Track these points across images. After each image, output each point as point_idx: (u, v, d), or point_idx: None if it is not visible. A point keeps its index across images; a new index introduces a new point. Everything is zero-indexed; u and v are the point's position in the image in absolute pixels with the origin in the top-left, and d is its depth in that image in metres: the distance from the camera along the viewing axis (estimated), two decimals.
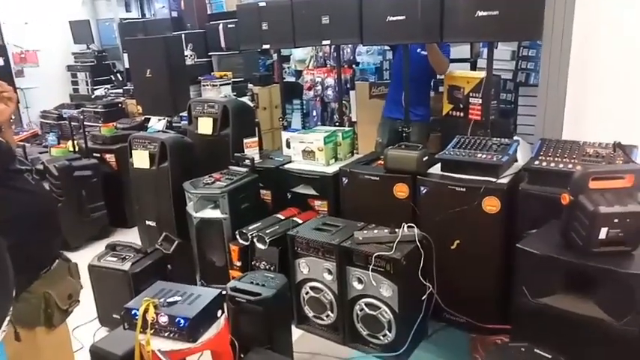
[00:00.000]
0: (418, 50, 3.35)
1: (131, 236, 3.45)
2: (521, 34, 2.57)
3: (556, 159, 2.07)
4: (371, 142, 3.68)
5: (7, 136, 1.48)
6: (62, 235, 1.63)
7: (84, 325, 2.62)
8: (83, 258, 2.63)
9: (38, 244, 1.46)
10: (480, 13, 2.51)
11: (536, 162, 2.09)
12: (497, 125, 3.20)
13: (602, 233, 1.56)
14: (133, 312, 1.78)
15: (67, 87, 6.19)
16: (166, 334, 1.73)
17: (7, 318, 1.03)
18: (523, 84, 3.51)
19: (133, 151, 3.12)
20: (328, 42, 3.24)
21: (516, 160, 2.45)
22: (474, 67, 3.69)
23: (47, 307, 1.45)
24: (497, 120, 3.28)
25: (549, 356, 1.52)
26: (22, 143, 3.97)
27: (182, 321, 1.70)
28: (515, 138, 2.76)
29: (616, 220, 1.54)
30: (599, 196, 1.57)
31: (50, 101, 5.84)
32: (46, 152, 3.90)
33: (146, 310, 1.74)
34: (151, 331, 1.74)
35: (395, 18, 2.78)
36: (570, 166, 1.99)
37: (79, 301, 1.58)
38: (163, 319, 1.73)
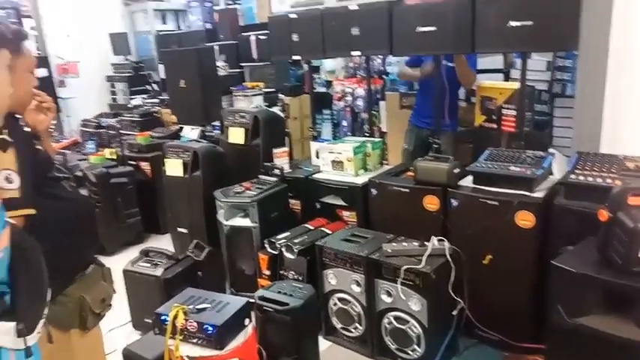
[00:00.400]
0: (444, 62, 3.31)
1: (164, 242, 3.53)
2: (556, 44, 2.52)
3: (594, 173, 2.01)
4: (400, 152, 3.67)
5: (46, 144, 1.55)
6: (98, 241, 1.68)
7: (118, 328, 2.69)
8: (118, 263, 2.73)
9: (74, 249, 1.51)
10: (513, 24, 2.47)
11: (573, 176, 2.03)
12: (531, 137, 3.13)
13: None
14: (162, 317, 1.82)
15: (106, 96, 6.41)
16: (195, 341, 1.77)
17: (42, 320, 1.07)
18: (559, 95, 3.43)
19: (166, 160, 3.20)
20: (358, 53, 3.26)
21: (552, 174, 2.39)
22: (507, 78, 3.63)
23: (82, 310, 1.50)
24: (531, 132, 3.21)
25: None
26: (62, 151, 4.12)
27: (210, 328, 1.73)
28: (550, 150, 2.70)
29: None
30: (639, 213, 1.51)
31: (90, 110, 6.05)
32: (85, 159, 4.04)
33: (176, 316, 1.78)
34: (180, 337, 1.77)
35: (425, 29, 2.77)
36: (609, 180, 1.92)
37: (111, 305, 1.62)
38: (192, 326, 1.76)
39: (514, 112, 2.89)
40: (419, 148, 3.41)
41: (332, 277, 2.39)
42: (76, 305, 1.49)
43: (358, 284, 2.29)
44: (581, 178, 1.99)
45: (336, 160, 2.88)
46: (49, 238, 1.40)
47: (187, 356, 1.74)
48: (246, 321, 1.87)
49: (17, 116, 1.48)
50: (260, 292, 2.10)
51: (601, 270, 1.59)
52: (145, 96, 6.06)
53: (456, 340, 2.26)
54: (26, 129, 1.51)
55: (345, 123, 4.91)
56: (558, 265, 1.67)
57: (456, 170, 2.39)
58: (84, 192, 3.65)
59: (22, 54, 1.39)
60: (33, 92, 1.52)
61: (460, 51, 3.19)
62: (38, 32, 5.85)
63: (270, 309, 1.99)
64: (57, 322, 1.46)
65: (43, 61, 5.60)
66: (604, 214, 1.58)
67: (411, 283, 2.10)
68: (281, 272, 2.58)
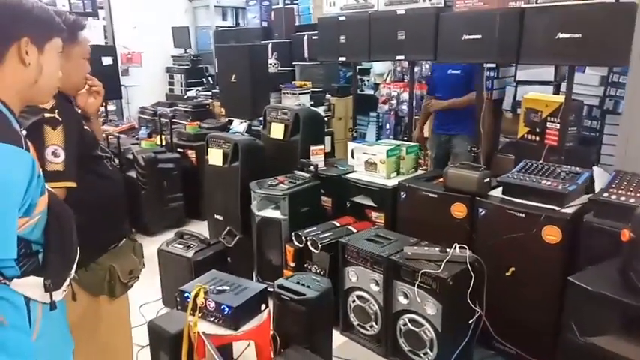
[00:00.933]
0: (449, 71, 3.56)
1: (202, 228, 3.70)
2: (605, 58, 2.44)
3: (628, 193, 1.94)
4: None
5: (94, 126, 1.70)
6: (129, 218, 1.82)
7: (150, 302, 2.87)
8: (159, 243, 2.90)
9: (108, 222, 1.65)
10: (562, 36, 2.42)
11: (605, 194, 1.97)
12: (576, 153, 3.04)
13: None
14: (186, 294, 1.94)
15: (164, 86, 6.75)
16: (212, 319, 1.87)
17: (69, 279, 1.19)
18: (610, 112, 3.29)
19: (209, 149, 3.35)
20: (402, 57, 3.28)
21: (589, 192, 2.32)
22: (557, 91, 3.52)
23: (111, 278, 1.63)
24: (576, 148, 3.11)
25: None
26: (118, 134, 4.40)
27: (226, 308, 1.83)
28: (595, 168, 2.61)
29: None
30: None
31: (148, 98, 6.40)
32: (137, 144, 4.30)
33: (197, 295, 1.89)
34: (199, 314, 1.88)
35: (471, 37, 2.77)
36: None
37: (138, 277, 1.75)
38: (211, 305, 1.87)
39: (558, 126, 2.81)
40: (440, 155, 3.71)
41: (353, 275, 2.43)
42: (106, 273, 1.63)
43: (377, 283, 2.33)
44: (614, 197, 1.93)
45: (369, 162, 2.92)
46: (87, 211, 1.53)
47: (204, 332, 1.84)
48: (263, 306, 1.96)
49: (70, 98, 1.64)
50: (280, 281, 2.18)
51: (618, 290, 1.55)
52: (199, 88, 6.34)
53: (470, 349, 2.24)
54: (77, 110, 1.67)
55: (388, 126, 4.93)
56: (575, 281, 1.64)
57: (486, 180, 2.37)
58: (132, 174, 3.89)
59: (77, 42, 1.53)
60: (86, 77, 1.67)
61: (505, 60, 3.16)
62: (108, 23, 6.24)
63: (286, 297, 2.07)
64: (88, 287, 1.60)
65: (110, 50, 5.98)
66: (626, 234, 1.54)
67: (428, 287, 2.11)
68: (305, 265, 2.65)
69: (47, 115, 1.43)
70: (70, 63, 1.50)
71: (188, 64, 6.56)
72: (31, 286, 1.11)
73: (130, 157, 3.93)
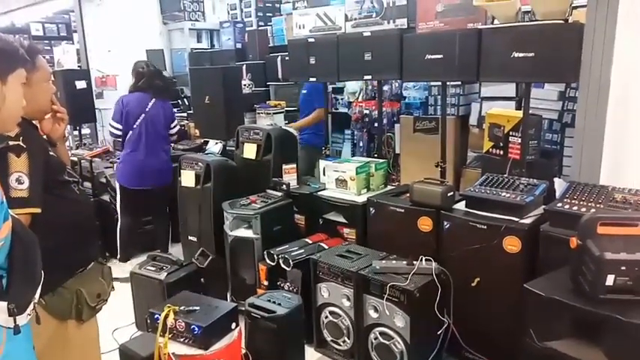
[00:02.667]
0: (302, 92, 4.19)
1: (178, 250, 3.70)
2: (557, 76, 2.58)
3: (580, 203, 2.04)
4: (413, 175, 3.73)
5: (60, 150, 1.72)
6: (98, 241, 1.84)
7: (123, 327, 2.84)
8: (132, 267, 2.89)
9: (76, 246, 1.66)
10: (516, 55, 2.55)
11: (559, 204, 2.07)
12: (538, 166, 3.15)
13: (609, 280, 1.53)
14: (155, 316, 1.95)
15: None
16: (182, 340, 1.89)
17: (32, 303, 1.20)
18: (569, 125, 3.43)
19: (182, 171, 3.38)
20: (370, 77, 3.39)
21: (548, 202, 2.42)
22: (519, 106, 3.66)
23: (78, 302, 1.64)
24: (538, 160, 3.23)
25: None
26: (90, 158, 4.39)
27: (196, 328, 1.85)
28: (556, 179, 2.72)
29: (623, 268, 1.50)
30: (607, 242, 1.55)
31: None
32: (111, 167, 4.29)
33: (167, 316, 1.91)
34: (169, 335, 1.89)
35: (433, 56, 2.88)
36: (593, 210, 1.95)
37: (106, 300, 1.76)
38: (181, 325, 1.89)
39: (519, 140, 2.93)
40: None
41: (325, 291, 2.47)
42: (73, 297, 1.64)
43: (348, 299, 2.37)
44: (567, 207, 2.03)
45: (340, 179, 2.99)
46: (53, 235, 1.56)
47: (174, 354, 1.86)
48: (233, 325, 1.98)
49: (34, 123, 1.67)
50: (251, 300, 2.21)
51: (570, 296, 1.62)
52: (175, 110, 6.35)
53: (440, 359, 2.29)
54: (42, 136, 1.70)
55: (362, 143, 5.02)
56: (530, 288, 1.71)
57: (450, 193, 2.46)
58: (106, 197, 3.88)
59: (36, 68, 1.57)
60: (51, 101, 1.71)
61: (466, 79, 3.28)
62: (81, 47, 6.27)
63: (257, 315, 2.09)
64: (55, 312, 1.61)
65: (83, 74, 5.99)
66: (574, 242, 1.62)
67: (396, 300, 2.16)
68: (278, 283, 2.68)
69: (11, 142, 1.45)
70: (33, 88, 1.53)
71: None
72: None
73: (103, 180, 3.92)
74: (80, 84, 5.67)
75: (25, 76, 1.28)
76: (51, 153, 1.61)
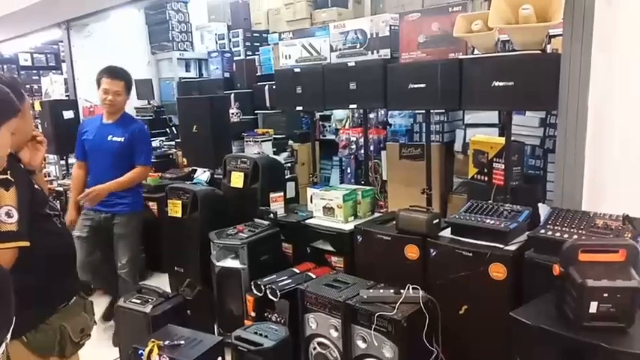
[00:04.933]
0: (109, 137, 3.14)
1: (164, 280, 3.65)
2: (537, 104, 2.64)
3: (563, 229, 2.07)
4: (400, 201, 3.76)
5: (39, 180, 1.72)
6: (78, 276, 1.81)
7: None
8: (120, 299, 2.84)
9: (58, 281, 1.64)
10: (497, 83, 2.61)
11: (542, 231, 2.09)
12: (522, 191, 3.20)
13: (593, 307, 1.54)
14: (139, 352, 1.92)
15: None
16: None
17: (4, 344, 1.18)
18: (551, 151, 3.50)
19: (169, 201, 3.37)
20: (355, 106, 3.44)
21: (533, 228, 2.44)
22: (502, 133, 3.73)
23: (62, 338, 1.61)
24: (522, 186, 3.28)
25: None
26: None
27: None
28: (540, 205, 2.75)
29: (605, 295, 1.52)
30: (588, 269, 1.56)
31: None
32: None
33: (151, 351, 1.87)
34: None
35: (416, 85, 2.94)
36: (575, 236, 1.98)
37: (89, 335, 1.73)
38: None
39: (503, 166, 2.98)
40: (94, 233, 3.13)
41: (312, 321, 2.45)
42: (56, 333, 1.61)
43: (336, 329, 2.35)
44: (550, 233, 2.05)
45: (327, 207, 3.00)
46: (35, 270, 1.54)
47: None
48: (219, 359, 1.95)
49: (18, 157, 1.67)
50: (237, 332, 2.18)
51: (555, 324, 1.63)
52: (163, 138, 6.37)
53: None
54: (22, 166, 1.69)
55: (349, 170, 5.06)
56: (516, 317, 1.71)
57: (435, 221, 2.47)
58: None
59: (23, 99, 1.58)
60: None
61: (448, 107, 3.35)
62: (69, 77, 6.29)
63: (244, 349, 2.06)
64: (37, 349, 1.58)
65: (71, 104, 5.99)
66: (557, 269, 1.64)
67: (384, 329, 2.15)
68: (266, 314, 2.65)
69: (0, 176, 1.45)
70: (24, 119, 1.54)
71: (151, 115, 6.60)
72: None
73: (63, 220, 3.87)
74: (68, 114, 5.66)
75: (15, 124, 1.31)
76: (36, 186, 1.61)
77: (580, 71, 2.44)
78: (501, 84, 2.59)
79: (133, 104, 6.78)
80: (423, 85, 2.91)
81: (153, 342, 1.89)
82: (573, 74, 2.46)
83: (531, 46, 2.57)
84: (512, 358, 1.72)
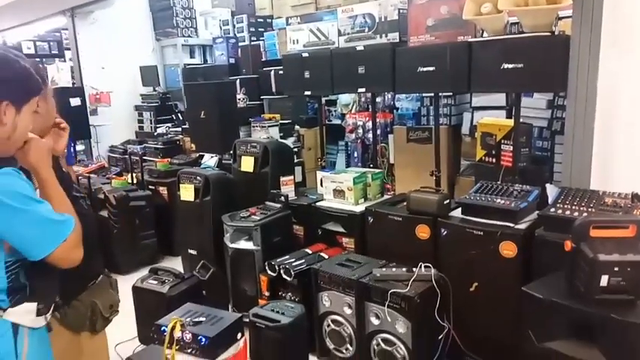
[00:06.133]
0: None
1: (176, 264, 3.71)
2: (546, 85, 2.67)
3: (573, 207, 2.11)
4: (408, 184, 3.80)
5: (63, 164, 1.76)
6: (104, 255, 1.88)
7: (126, 341, 2.86)
8: (133, 281, 2.91)
9: (87, 260, 1.70)
10: (506, 66, 2.64)
11: (552, 209, 2.14)
12: (530, 172, 3.24)
13: (603, 281, 1.59)
14: (162, 328, 1.98)
15: (133, 124, 6.79)
16: (189, 351, 1.91)
17: (53, 304, 1.27)
18: (558, 132, 3.53)
19: (180, 185, 3.42)
20: (364, 90, 3.47)
21: (541, 208, 2.49)
22: (509, 115, 3.76)
23: (93, 314, 1.68)
24: (530, 167, 3.32)
25: None
26: (87, 175, 4.41)
27: (203, 339, 1.88)
28: (547, 185, 2.79)
29: (616, 269, 1.57)
30: (599, 244, 1.61)
31: (118, 137, 6.43)
32: (108, 183, 4.32)
33: (173, 328, 1.93)
34: (177, 347, 1.92)
35: (425, 69, 2.96)
36: (585, 214, 2.02)
37: (118, 311, 1.80)
38: (188, 337, 1.91)
39: (511, 148, 3.01)
40: None
41: (326, 300, 2.51)
42: (88, 309, 1.68)
43: (350, 307, 2.41)
44: (559, 211, 2.10)
45: (337, 189, 3.04)
46: None
47: None
48: (239, 335, 2.01)
49: None
50: (254, 310, 2.24)
51: (567, 297, 1.69)
52: (169, 125, 6.41)
53: None
54: None
55: (356, 154, 5.10)
56: (528, 291, 1.77)
57: (446, 201, 2.52)
58: (103, 213, 3.90)
59: (45, 84, 1.61)
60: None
61: (457, 90, 3.37)
62: (75, 64, 6.30)
63: (261, 325, 2.13)
64: (70, 325, 1.65)
65: (77, 91, 6.02)
66: (568, 245, 1.69)
67: (397, 306, 2.21)
68: (280, 293, 2.72)
69: None
70: (47, 104, 1.58)
71: (157, 102, 6.63)
72: (23, 313, 1.19)
73: (102, 196, 3.95)
74: (74, 101, 5.71)
75: (37, 103, 1.34)
76: (63, 170, 1.65)
77: (589, 53, 2.46)
78: (510, 66, 2.61)
79: (138, 91, 6.83)
80: (432, 69, 2.94)
81: (175, 319, 1.95)
82: (583, 56, 2.48)
83: (541, 29, 2.60)
84: (524, 333, 1.77)
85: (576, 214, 2.05)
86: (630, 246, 1.59)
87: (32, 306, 1.23)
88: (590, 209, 2.07)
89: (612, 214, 1.99)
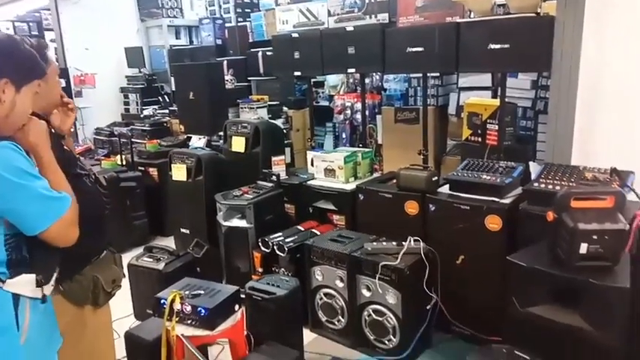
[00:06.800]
0: None
1: (168, 243, 3.75)
2: (531, 65, 2.75)
3: (555, 182, 2.21)
4: (395, 164, 3.88)
5: (69, 143, 1.79)
6: (107, 231, 1.91)
7: (122, 318, 2.91)
8: (125, 261, 2.94)
9: (92, 236, 1.73)
10: (493, 46, 2.70)
11: (535, 184, 2.23)
12: (514, 151, 3.33)
13: (583, 248, 1.69)
14: (162, 301, 2.04)
15: (119, 107, 6.73)
16: (189, 322, 1.98)
17: (55, 275, 1.31)
18: (542, 112, 3.63)
19: (172, 165, 3.45)
20: (353, 70, 3.51)
21: (524, 184, 2.59)
22: (495, 95, 3.84)
23: (95, 288, 1.72)
24: (514, 146, 3.41)
25: (528, 357, 1.65)
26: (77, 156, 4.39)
27: (203, 311, 1.94)
28: (531, 163, 2.89)
29: (595, 237, 1.67)
30: (580, 215, 1.71)
31: (103, 119, 6.38)
32: (98, 164, 4.31)
33: (173, 300, 2.00)
34: (176, 319, 1.98)
35: (414, 49, 3.01)
36: (566, 188, 2.12)
37: (120, 286, 1.84)
38: (187, 309, 1.98)
39: (496, 127, 3.10)
40: None
41: (319, 274, 2.60)
42: (90, 283, 1.71)
43: (342, 280, 2.50)
44: (542, 186, 2.19)
45: (328, 168, 3.11)
46: None
47: (182, 335, 1.95)
48: (236, 307, 2.08)
49: (47, 119, 1.73)
50: (251, 284, 2.31)
51: (549, 265, 1.79)
52: (156, 107, 6.37)
53: (429, 333, 2.45)
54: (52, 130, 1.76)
55: (344, 135, 5.15)
56: (512, 260, 1.87)
57: (434, 178, 2.61)
58: None
59: (48, 63, 1.63)
60: (61, 94, 1.77)
61: (445, 70, 3.43)
62: (58, 45, 6.20)
63: (257, 297, 2.20)
64: (73, 298, 1.68)
65: (61, 73, 5.93)
66: (550, 216, 1.78)
67: (387, 278, 2.30)
68: (273, 269, 2.79)
69: None
70: (48, 83, 1.59)
71: (143, 84, 6.57)
72: (23, 283, 1.22)
73: (92, 179, 3.94)
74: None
75: (38, 86, 1.37)
76: (65, 147, 1.68)
77: (573, 35, 2.55)
78: (497, 46, 2.68)
79: (123, 73, 6.75)
80: (420, 49, 2.99)
81: (174, 292, 2.01)
82: (566, 38, 2.57)
83: (526, 9, 2.66)
84: (508, 299, 1.88)
85: (558, 188, 2.14)
86: (608, 216, 1.69)
87: (31, 277, 1.26)
88: (571, 183, 2.17)
89: (589, 187, 2.09)
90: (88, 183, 1.74)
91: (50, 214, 1.29)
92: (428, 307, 2.37)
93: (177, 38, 7.00)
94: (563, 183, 2.18)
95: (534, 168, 2.73)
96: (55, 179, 1.39)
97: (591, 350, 1.68)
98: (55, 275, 1.32)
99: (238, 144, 3.54)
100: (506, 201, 2.36)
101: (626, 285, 1.64)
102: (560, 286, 1.76)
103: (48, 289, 1.28)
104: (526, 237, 2.22)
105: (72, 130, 1.87)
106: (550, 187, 2.17)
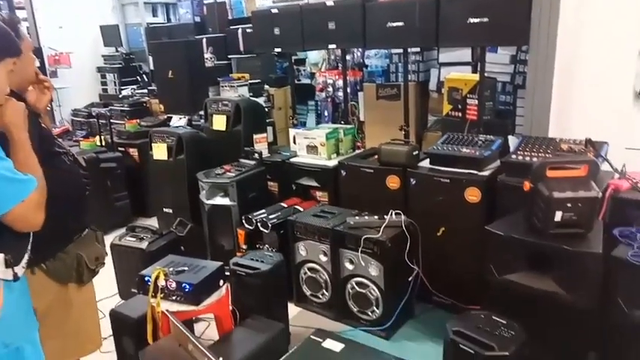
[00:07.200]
0: None
1: (151, 223, 3.74)
2: (509, 39, 2.77)
3: (532, 153, 2.25)
4: (377, 141, 3.90)
5: (45, 121, 1.76)
6: (88, 210, 1.90)
7: (106, 298, 2.91)
8: (107, 242, 2.93)
9: (73, 214, 1.72)
10: (472, 20, 2.71)
11: (513, 156, 2.28)
12: (494, 125, 3.38)
13: (558, 216, 1.74)
14: (146, 278, 2.05)
15: (96, 87, 6.59)
16: (174, 298, 1.99)
17: (26, 256, 1.30)
18: (520, 86, 3.67)
19: (153, 145, 3.41)
20: (334, 46, 3.49)
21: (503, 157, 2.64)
22: (475, 70, 3.87)
23: (79, 265, 1.72)
24: (493, 120, 3.46)
25: (504, 322, 1.72)
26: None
27: (187, 286, 1.96)
28: (510, 137, 2.94)
29: (569, 205, 1.72)
30: (555, 184, 1.76)
31: (81, 100, 6.24)
32: (77, 145, 4.24)
33: (157, 277, 2.01)
34: (161, 295, 2.00)
35: (395, 24, 3.01)
36: (542, 159, 2.17)
37: (104, 263, 1.84)
38: (172, 285, 1.99)
39: (476, 102, 3.14)
40: None
41: (302, 249, 2.63)
42: (74, 261, 1.71)
43: (325, 254, 2.54)
44: (520, 157, 2.24)
45: (310, 145, 3.11)
46: (53, 204, 1.61)
47: (167, 310, 1.96)
48: (221, 282, 2.10)
49: (23, 97, 1.69)
50: (235, 260, 2.33)
51: (525, 233, 1.84)
52: (134, 87, 6.25)
53: (411, 303, 2.51)
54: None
55: (326, 113, 5.14)
56: (490, 229, 1.92)
57: (415, 152, 2.63)
58: None
59: (21, 39, 1.59)
60: (36, 72, 1.73)
61: (426, 44, 3.43)
62: (31, 24, 6.00)
63: (242, 273, 2.22)
64: (56, 276, 1.68)
65: (35, 52, 5.76)
66: (527, 185, 1.83)
67: (369, 251, 2.34)
68: (257, 246, 2.81)
69: None
70: (22, 60, 1.56)
71: (121, 63, 6.43)
72: None
73: (71, 158, 3.88)
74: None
75: (12, 64, 1.34)
76: (43, 125, 1.65)
77: (550, 10, 2.57)
78: (476, 20, 2.69)
79: (100, 52, 6.59)
80: (401, 24, 2.98)
81: (158, 269, 2.02)
82: (544, 12, 2.58)
83: None
84: (486, 267, 1.93)
85: (535, 159, 2.19)
86: (582, 184, 1.75)
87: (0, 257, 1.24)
88: (547, 155, 2.21)
89: (567, 157, 2.14)
90: (66, 161, 1.72)
91: (11, 197, 1.25)
92: (409, 279, 2.42)
93: (154, 16, 6.85)
94: (540, 155, 2.22)
95: (513, 141, 2.77)
96: (26, 161, 1.36)
97: (566, 313, 1.75)
98: (26, 256, 1.31)
99: (219, 122, 3.52)
100: (485, 173, 2.41)
101: (599, 250, 1.70)
102: (536, 253, 1.81)
103: (19, 269, 1.26)
104: (504, 208, 2.27)
105: (48, 109, 1.83)
106: (527, 158, 2.21)
